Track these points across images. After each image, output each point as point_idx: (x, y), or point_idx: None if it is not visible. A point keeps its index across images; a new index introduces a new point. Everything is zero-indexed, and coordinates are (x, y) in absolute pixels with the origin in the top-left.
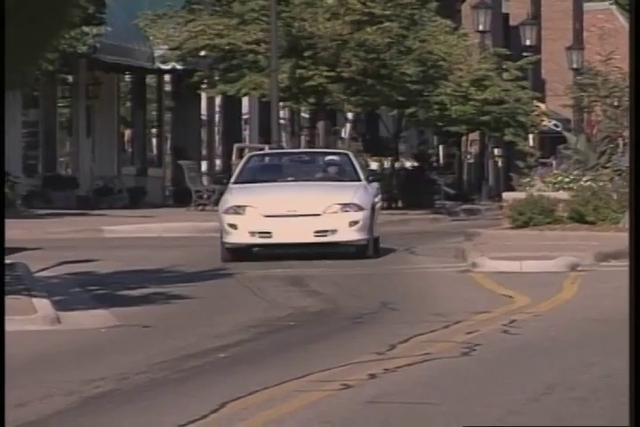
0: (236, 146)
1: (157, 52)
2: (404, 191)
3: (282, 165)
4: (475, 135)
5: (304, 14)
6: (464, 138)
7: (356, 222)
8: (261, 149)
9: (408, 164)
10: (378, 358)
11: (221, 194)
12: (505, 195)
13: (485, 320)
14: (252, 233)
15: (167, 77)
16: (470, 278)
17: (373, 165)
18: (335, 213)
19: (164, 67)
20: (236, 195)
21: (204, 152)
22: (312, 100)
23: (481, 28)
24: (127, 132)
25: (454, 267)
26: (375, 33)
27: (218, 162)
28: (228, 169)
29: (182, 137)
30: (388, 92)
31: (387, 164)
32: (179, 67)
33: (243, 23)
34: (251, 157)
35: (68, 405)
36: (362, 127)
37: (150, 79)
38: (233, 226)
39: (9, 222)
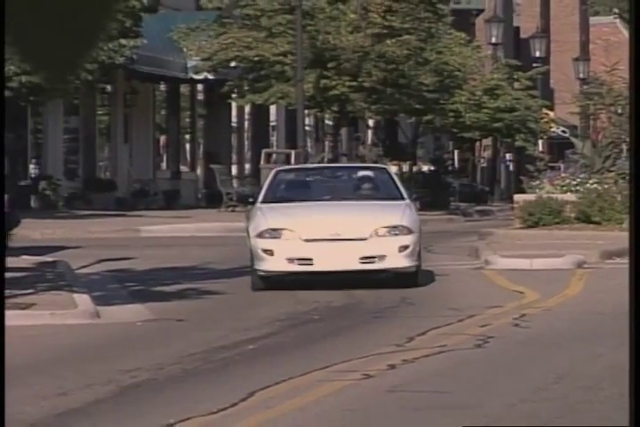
0: (264, 151)
1: (190, 63)
2: (421, 193)
3: (314, 182)
4: (487, 141)
5: (328, 28)
6: (477, 143)
7: (406, 247)
8: (288, 155)
9: (425, 168)
10: (397, 349)
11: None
12: (516, 197)
13: (497, 314)
14: (291, 260)
15: (200, 87)
16: (483, 275)
17: (393, 169)
18: (383, 236)
19: (196, 77)
20: (269, 216)
21: (234, 157)
22: (335, 108)
23: (493, 40)
24: (162, 138)
25: (468, 264)
26: (394, 45)
27: (247, 166)
28: (256, 173)
29: (214, 143)
30: (406, 100)
31: (405, 168)
32: (210, 77)
33: (270, 36)
34: (278, 172)
35: (107, 393)
36: (382, 133)
37: (184, 88)
38: (268, 252)
39: (52, 223)
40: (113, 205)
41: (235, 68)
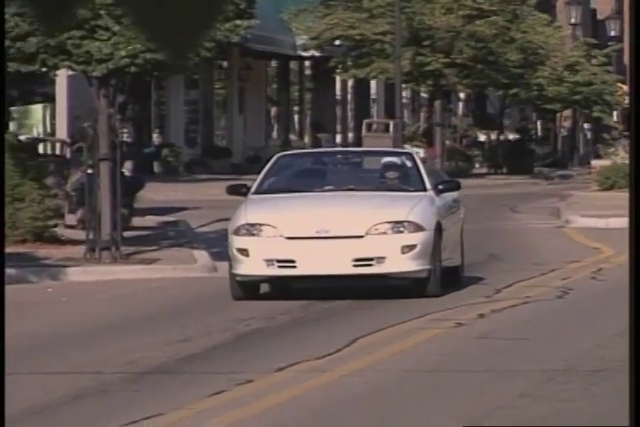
0: (365, 121)
1: (299, 42)
2: (507, 159)
3: (321, 170)
4: (567, 112)
5: (423, 9)
6: (558, 114)
7: (411, 247)
8: (387, 124)
9: (511, 136)
10: (486, 300)
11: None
12: (593, 162)
13: (577, 268)
14: (270, 261)
15: (307, 63)
16: (564, 233)
17: (482, 138)
18: (383, 234)
19: (304, 54)
20: (251, 209)
21: (338, 126)
22: (430, 82)
23: (573, 21)
24: (273, 110)
25: (550, 223)
26: (484, 25)
27: (350, 135)
28: (359, 141)
29: (320, 114)
30: (494, 75)
31: (493, 136)
32: (317, 54)
33: (371, 17)
34: (280, 158)
35: (224, 340)
36: (472, 105)
37: (293, 65)
38: (243, 251)
39: (173, 186)
40: (229, 169)
41: (339, 46)
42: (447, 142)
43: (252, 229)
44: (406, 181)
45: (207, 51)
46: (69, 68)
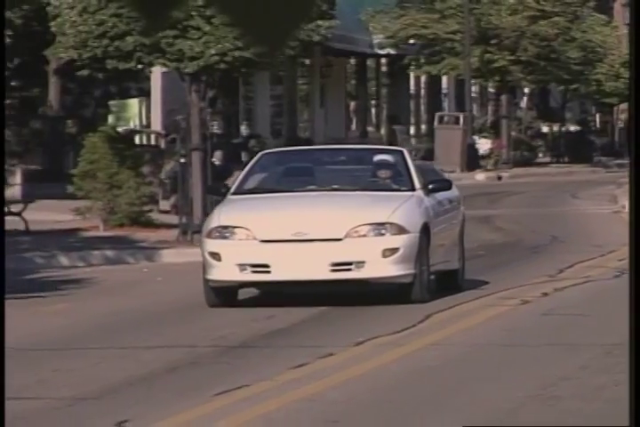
0: (437, 114)
1: (376, 41)
2: (568, 149)
3: (306, 169)
4: (624, 106)
5: (491, 11)
6: (616, 108)
7: (393, 251)
8: (457, 117)
9: (572, 128)
10: (549, 279)
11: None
12: None
13: None
14: (242, 266)
15: (383, 60)
16: (620, 218)
17: (545, 129)
18: (363, 236)
19: (381, 52)
20: (226, 211)
21: (412, 119)
22: (497, 78)
23: (629, 21)
24: (352, 104)
25: (608, 209)
26: (546, 25)
27: (423, 127)
28: (431, 132)
29: (395, 107)
30: (556, 71)
31: (555, 128)
32: (392, 52)
33: (443, 18)
34: (264, 155)
35: (306, 316)
36: (536, 99)
37: (370, 62)
38: (215, 255)
39: None
40: None
41: (413, 44)
42: (513, 134)
43: (224, 232)
44: (394, 180)
45: (291, 49)
46: (163, 65)
